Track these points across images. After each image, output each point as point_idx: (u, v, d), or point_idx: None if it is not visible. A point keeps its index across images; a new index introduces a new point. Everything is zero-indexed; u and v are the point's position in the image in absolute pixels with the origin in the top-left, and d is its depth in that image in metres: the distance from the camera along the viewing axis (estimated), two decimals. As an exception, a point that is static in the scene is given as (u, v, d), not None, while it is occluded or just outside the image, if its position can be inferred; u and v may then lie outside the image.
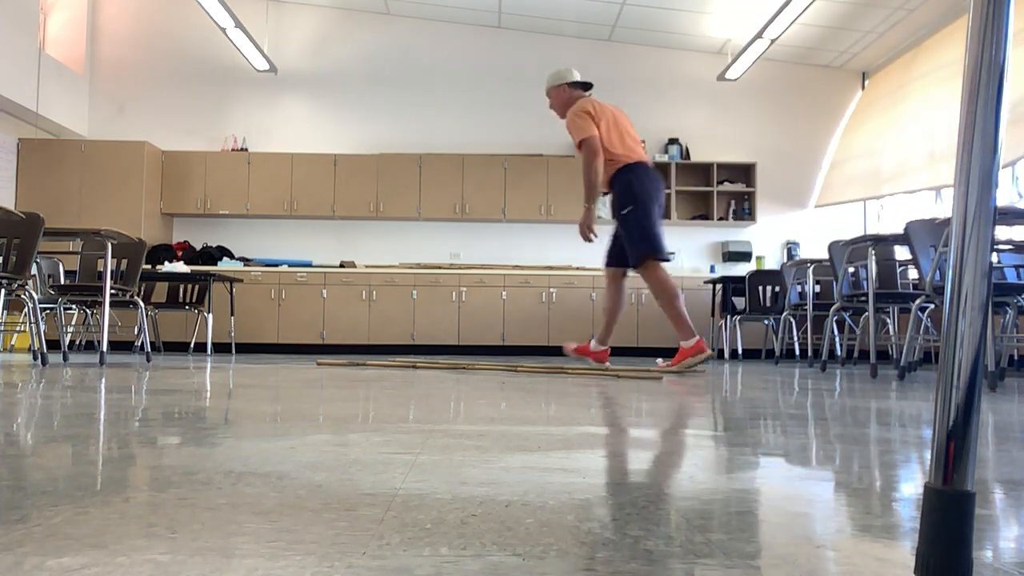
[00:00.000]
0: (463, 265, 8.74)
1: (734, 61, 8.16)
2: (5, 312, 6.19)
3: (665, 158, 8.84)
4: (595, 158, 4.48)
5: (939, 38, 7.61)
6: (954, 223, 0.61)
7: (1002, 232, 5.36)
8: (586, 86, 4.83)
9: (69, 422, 1.60)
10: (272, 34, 9.07)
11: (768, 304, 7.46)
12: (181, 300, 7.52)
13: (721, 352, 8.06)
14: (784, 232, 9.10)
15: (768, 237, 9.08)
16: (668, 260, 4.54)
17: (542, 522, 0.78)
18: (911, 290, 5.47)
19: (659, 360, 4.97)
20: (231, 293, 7.83)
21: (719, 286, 8.06)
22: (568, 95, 4.80)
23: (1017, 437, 1.60)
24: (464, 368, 4.41)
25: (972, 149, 0.60)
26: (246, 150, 8.83)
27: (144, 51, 9.08)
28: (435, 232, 9.02)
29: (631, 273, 4.70)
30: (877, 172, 7.99)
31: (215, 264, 8.53)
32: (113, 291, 5.05)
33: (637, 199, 4.49)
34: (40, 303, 5.62)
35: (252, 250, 8.98)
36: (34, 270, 5.91)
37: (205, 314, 7.39)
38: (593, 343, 4.81)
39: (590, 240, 4.58)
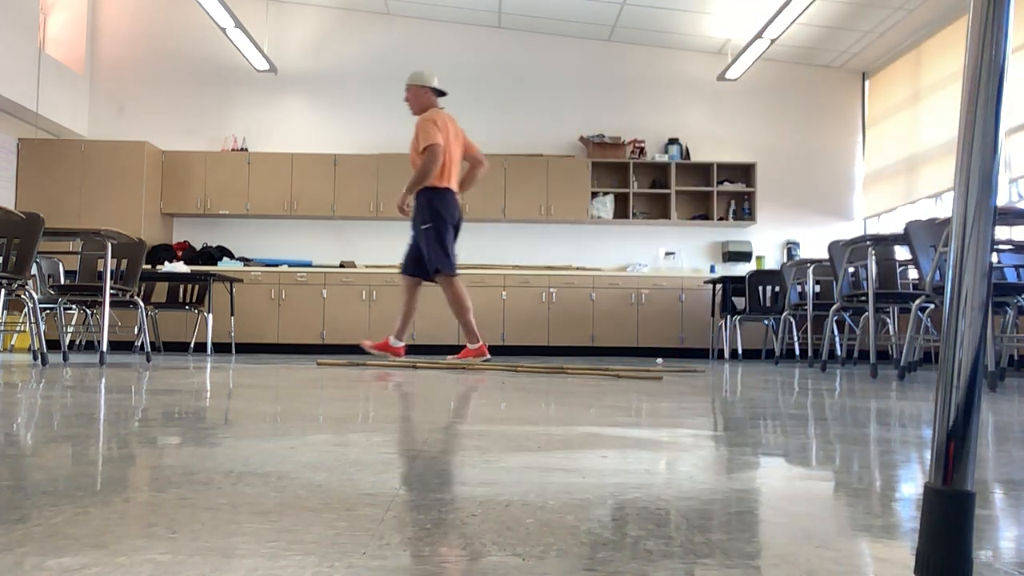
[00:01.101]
0: (463, 265, 8.70)
1: (734, 61, 8.15)
2: (5, 312, 6.19)
3: (665, 158, 8.83)
4: (434, 164, 5.00)
5: (945, 35, 7.60)
6: (954, 223, 0.61)
7: (1002, 232, 5.37)
8: (441, 93, 5.35)
9: (69, 422, 1.60)
10: (272, 34, 9.07)
11: (768, 304, 7.46)
12: (181, 300, 7.52)
13: (721, 352, 8.06)
14: (785, 232, 9.10)
15: (768, 237, 9.08)
16: (456, 275, 5.22)
17: (542, 522, 0.78)
18: (911, 290, 5.47)
19: (659, 360, 5.00)
20: (231, 293, 7.83)
21: (719, 286, 8.05)
22: (427, 99, 5.26)
23: (1017, 437, 1.60)
24: (464, 368, 4.41)
25: (972, 149, 0.60)
26: (246, 150, 8.83)
27: (144, 51, 9.08)
28: (435, 232, 9.01)
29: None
30: (913, 176, 7.96)
31: (215, 264, 8.53)
32: (113, 291, 5.05)
33: (438, 218, 5.12)
34: (40, 303, 5.61)
35: (252, 250, 8.98)
36: (34, 270, 5.91)
37: (205, 314, 7.39)
38: (392, 339, 5.32)
39: (403, 212, 5.10)
